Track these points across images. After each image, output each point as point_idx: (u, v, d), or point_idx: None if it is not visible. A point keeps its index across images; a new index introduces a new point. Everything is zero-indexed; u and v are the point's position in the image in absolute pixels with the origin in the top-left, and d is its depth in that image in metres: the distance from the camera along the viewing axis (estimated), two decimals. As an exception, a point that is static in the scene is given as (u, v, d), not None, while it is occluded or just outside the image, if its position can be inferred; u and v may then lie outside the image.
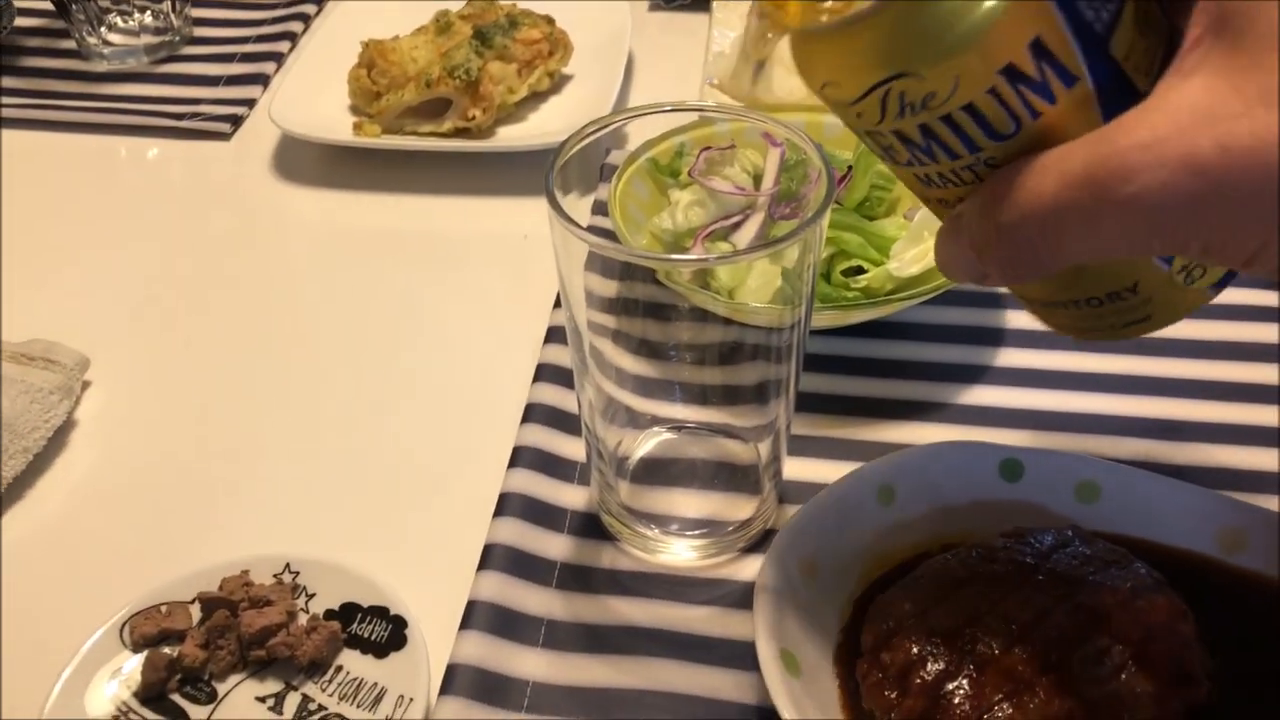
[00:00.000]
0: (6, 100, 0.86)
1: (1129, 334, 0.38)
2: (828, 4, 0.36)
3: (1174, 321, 0.38)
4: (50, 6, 0.90)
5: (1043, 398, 0.59)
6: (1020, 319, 0.64)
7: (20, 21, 0.94)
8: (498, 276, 0.71)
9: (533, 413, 0.59)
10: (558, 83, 0.83)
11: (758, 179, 0.62)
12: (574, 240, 0.43)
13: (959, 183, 0.35)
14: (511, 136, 0.79)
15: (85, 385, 0.63)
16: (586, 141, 0.47)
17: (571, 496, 0.55)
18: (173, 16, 0.91)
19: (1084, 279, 0.37)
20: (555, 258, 0.46)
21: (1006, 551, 0.47)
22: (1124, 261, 0.36)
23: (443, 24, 0.81)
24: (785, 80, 0.78)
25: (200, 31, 0.94)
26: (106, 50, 0.90)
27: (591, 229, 0.46)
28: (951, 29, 0.31)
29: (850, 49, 0.33)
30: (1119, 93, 0.32)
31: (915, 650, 0.43)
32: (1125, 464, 0.52)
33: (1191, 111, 0.29)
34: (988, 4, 0.31)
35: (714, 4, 0.88)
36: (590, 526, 0.54)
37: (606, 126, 0.48)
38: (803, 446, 0.56)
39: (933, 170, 0.36)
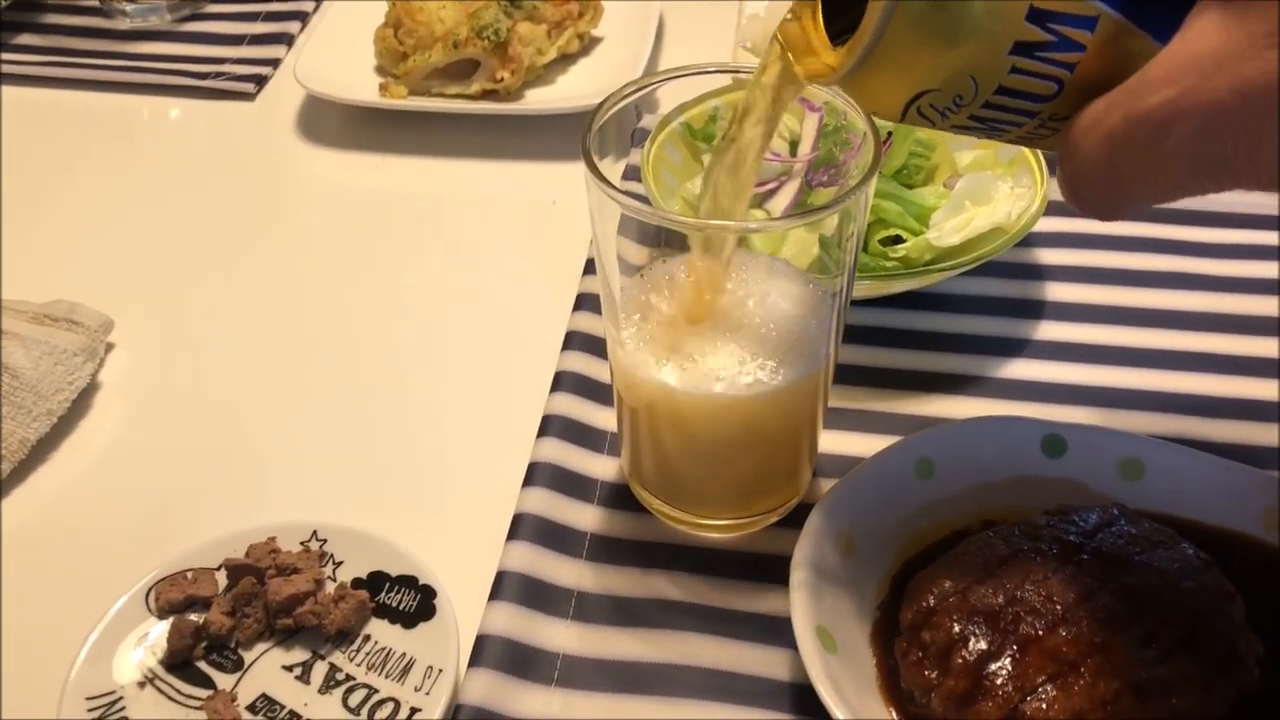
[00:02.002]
0: (27, 58, 0.85)
1: None
2: (833, 55, 0.37)
3: None
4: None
5: (1083, 372, 0.58)
6: (1060, 291, 0.62)
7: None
8: (525, 242, 0.70)
9: (562, 381, 0.58)
10: (587, 45, 0.82)
11: (794, 145, 0.61)
12: (610, 204, 0.42)
13: (1042, 136, 0.36)
14: (540, 99, 0.77)
15: (109, 347, 0.62)
16: (624, 103, 0.46)
17: (602, 467, 0.54)
18: (196, -27, 0.90)
19: None
20: (591, 221, 0.45)
21: (1050, 529, 0.46)
22: None
23: (471, -17, 0.79)
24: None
25: (223, -11, 0.93)
26: (129, 7, 0.89)
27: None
28: (940, 44, 0.32)
29: (864, 89, 0.35)
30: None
31: (957, 629, 0.42)
32: (1169, 441, 0.50)
33: (1210, 57, 0.29)
34: (965, 6, 0.31)
35: (747, -34, 0.86)
36: (621, 497, 0.53)
37: (645, 88, 0.47)
38: (838, 419, 0.55)
39: (1012, 137, 0.36)
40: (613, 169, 0.44)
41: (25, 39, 0.88)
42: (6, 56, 0.85)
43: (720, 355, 0.45)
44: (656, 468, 0.50)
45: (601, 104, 0.45)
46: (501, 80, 0.75)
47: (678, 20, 0.87)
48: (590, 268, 0.65)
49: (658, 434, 0.48)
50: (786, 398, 0.45)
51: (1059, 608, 0.42)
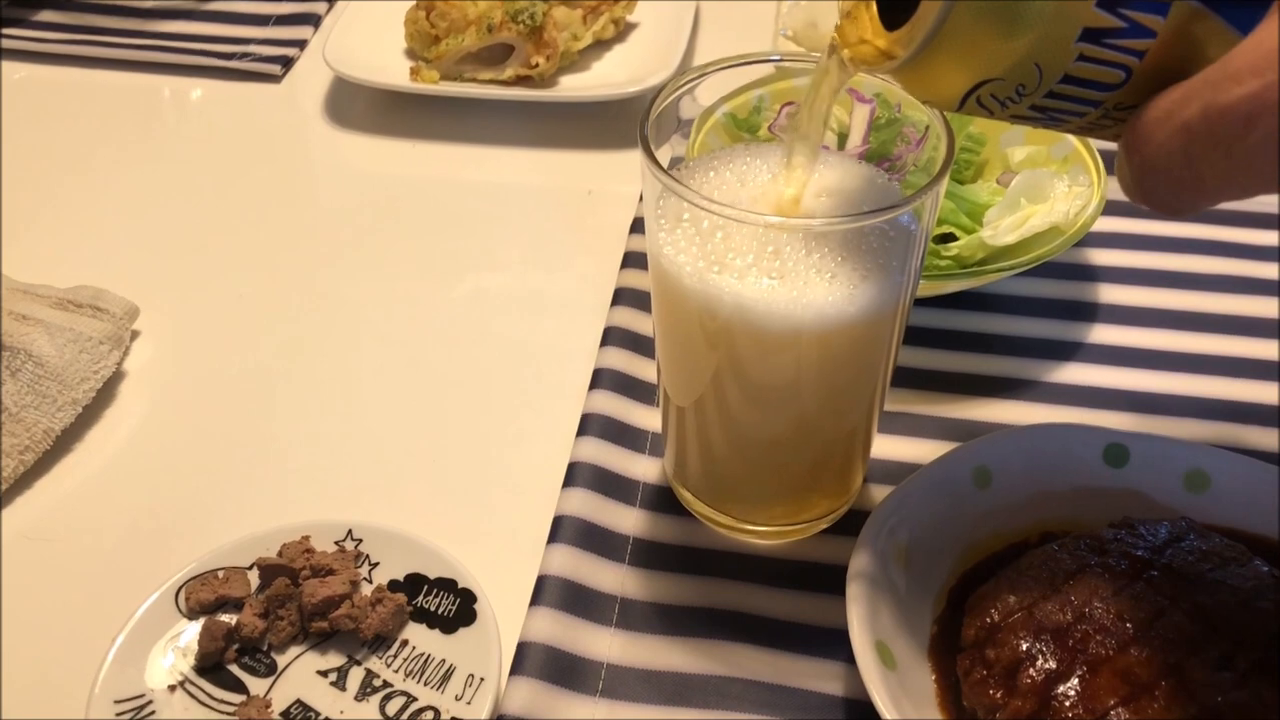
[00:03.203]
0: (49, 35, 0.83)
1: None
2: (891, 37, 0.35)
3: None
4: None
5: (1142, 378, 0.56)
6: (1117, 294, 0.61)
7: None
8: (561, 233, 0.68)
9: (601, 379, 0.56)
10: (623, 31, 0.80)
11: (842, 137, 0.59)
12: (671, 198, 0.40)
13: (1105, 126, 0.34)
14: (575, 86, 0.76)
15: (134, 335, 0.60)
16: (680, 93, 0.44)
17: (644, 468, 0.53)
18: (220, -49, 0.88)
19: None
20: (645, 213, 0.43)
21: (1117, 544, 0.44)
22: None
23: (506, -35, 0.77)
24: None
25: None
26: (155, -15, 0.87)
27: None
28: (1005, 31, 0.31)
29: (924, 78, 0.34)
30: None
31: (1023, 647, 0.41)
32: (1236, 451, 0.49)
33: None
34: None
35: (786, -49, 0.84)
36: (664, 500, 0.51)
37: (702, 76, 0.45)
38: (890, 423, 0.54)
39: (1073, 127, 0.35)
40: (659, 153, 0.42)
41: (48, 15, 0.86)
42: (30, 33, 0.83)
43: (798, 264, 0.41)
44: (701, 456, 0.48)
45: (659, 93, 0.43)
46: (536, 66, 0.73)
47: (716, 6, 0.85)
48: (629, 261, 0.63)
49: (707, 402, 0.45)
50: (861, 331, 0.41)
51: (1129, 627, 0.41)
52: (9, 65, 0.82)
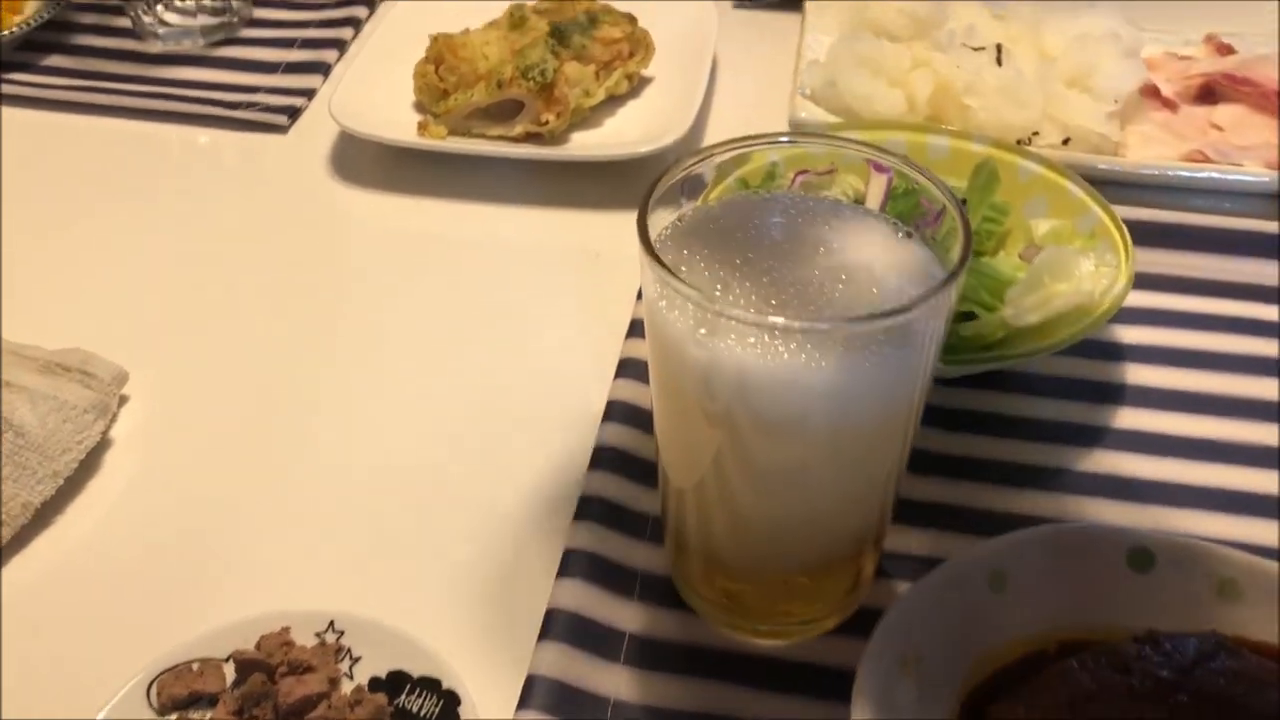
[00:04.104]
0: (55, 80, 0.82)
1: None
2: None
3: None
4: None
5: (1171, 467, 0.53)
6: (1146, 374, 0.58)
7: (75, -4, 0.89)
8: (565, 298, 0.66)
9: (601, 457, 0.54)
10: (636, 86, 0.78)
11: (858, 203, 0.57)
12: (674, 295, 0.37)
13: None
14: (586, 144, 0.74)
15: (122, 400, 0.58)
16: (682, 176, 0.42)
17: (644, 556, 0.50)
18: (232, -6, 0.87)
19: None
20: (645, 301, 0.41)
21: (1141, 661, 0.41)
22: None
23: (517, 18, 0.75)
24: (875, 87, 0.72)
25: (260, 13, 0.89)
26: (162, 30, 0.86)
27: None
28: None
29: None
30: None
31: (1040, 778, 0.38)
32: (1269, 556, 0.46)
33: None
34: None
35: (807, 5, 0.82)
36: (663, 592, 0.49)
37: (707, 158, 0.43)
38: (903, 512, 0.51)
39: None
40: (662, 218, 0.40)
41: (55, 60, 0.85)
42: (36, 79, 0.82)
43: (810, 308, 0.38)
44: (702, 544, 0.46)
45: (656, 182, 0.41)
46: (546, 123, 0.71)
47: (732, 60, 0.83)
48: (635, 330, 0.61)
49: (708, 485, 0.43)
50: (877, 412, 0.39)
51: (1154, 759, 0.38)
52: (11, 111, 0.80)
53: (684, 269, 0.40)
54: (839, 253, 0.42)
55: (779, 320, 0.37)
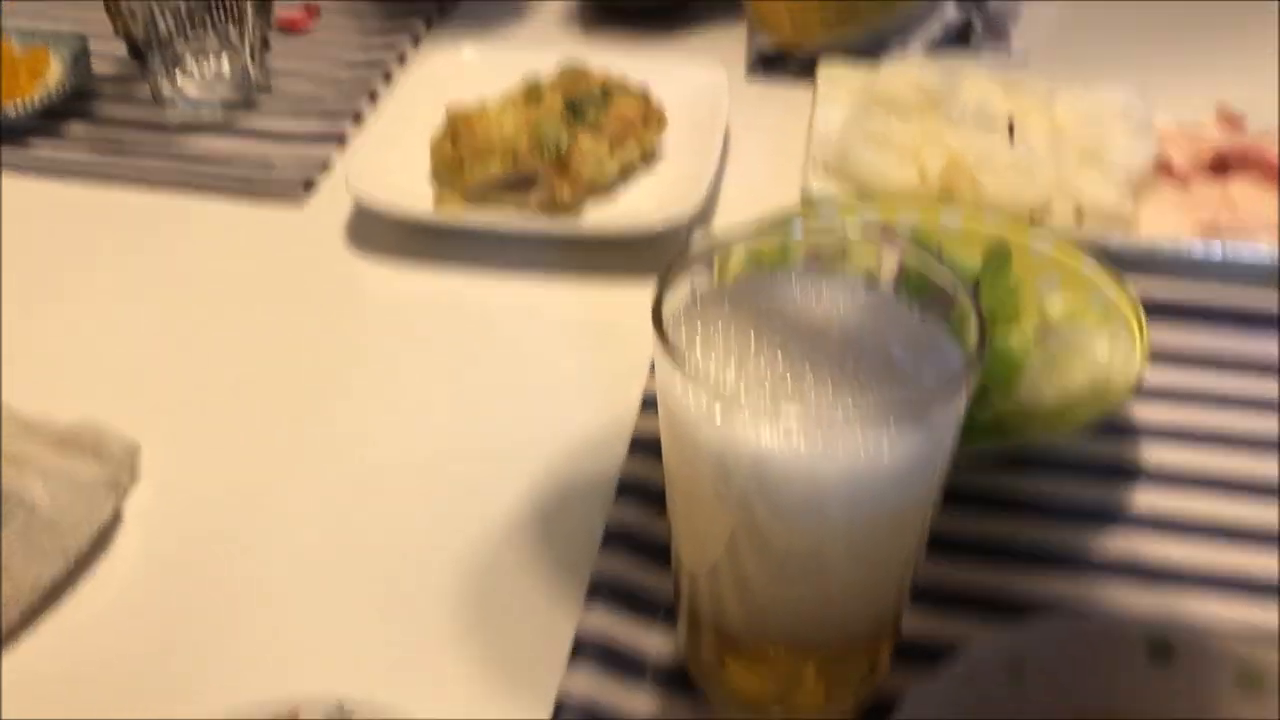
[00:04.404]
0: (73, 148, 0.83)
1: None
2: None
3: None
4: (125, 53, 0.87)
5: (1192, 550, 0.53)
6: (1164, 454, 0.57)
7: (95, 68, 0.90)
8: (578, 370, 0.66)
9: (613, 537, 0.53)
10: (650, 158, 0.78)
11: (870, 278, 0.57)
12: (688, 382, 0.37)
13: None
14: (600, 216, 0.74)
15: (135, 475, 0.58)
16: (695, 269, 0.42)
17: (657, 643, 0.50)
18: (250, 66, 0.88)
19: None
20: (658, 384, 0.40)
21: (1163, 758, 0.40)
22: None
23: (532, 92, 0.76)
24: (887, 162, 0.72)
25: (277, 84, 0.90)
26: (181, 101, 0.87)
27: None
28: None
29: None
30: None
31: None
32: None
33: None
34: None
35: (819, 78, 0.83)
36: (677, 678, 0.48)
37: (719, 251, 0.43)
38: (918, 596, 0.50)
39: None
40: (676, 294, 0.40)
41: (74, 128, 0.86)
42: (52, 146, 0.83)
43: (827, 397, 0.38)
44: (715, 628, 0.45)
45: (667, 270, 0.41)
46: (561, 196, 0.72)
47: (744, 134, 0.83)
48: (648, 405, 0.61)
49: (722, 569, 0.43)
50: (898, 485, 0.39)
51: None
52: (27, 180, 0.81)
53: (699, 344, 0.40)
54: (854, 331, 0.42)
55: (795, 409, 0.37)
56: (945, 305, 0.52)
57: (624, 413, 0.61)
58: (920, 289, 0.55)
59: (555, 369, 0.66)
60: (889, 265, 0.58)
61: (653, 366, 0.62)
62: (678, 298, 0.42)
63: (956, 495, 0.54)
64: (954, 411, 0.38)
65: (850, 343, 0.41)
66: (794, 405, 0.37)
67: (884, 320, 0.42)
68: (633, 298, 0.69)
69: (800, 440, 0.37)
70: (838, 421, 0.37)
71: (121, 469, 0.56)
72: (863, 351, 0.40)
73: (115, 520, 0.56)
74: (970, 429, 0.53)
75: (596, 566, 0.52)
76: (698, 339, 0.40)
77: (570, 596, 0.52)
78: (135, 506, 0.57)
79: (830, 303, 0.43)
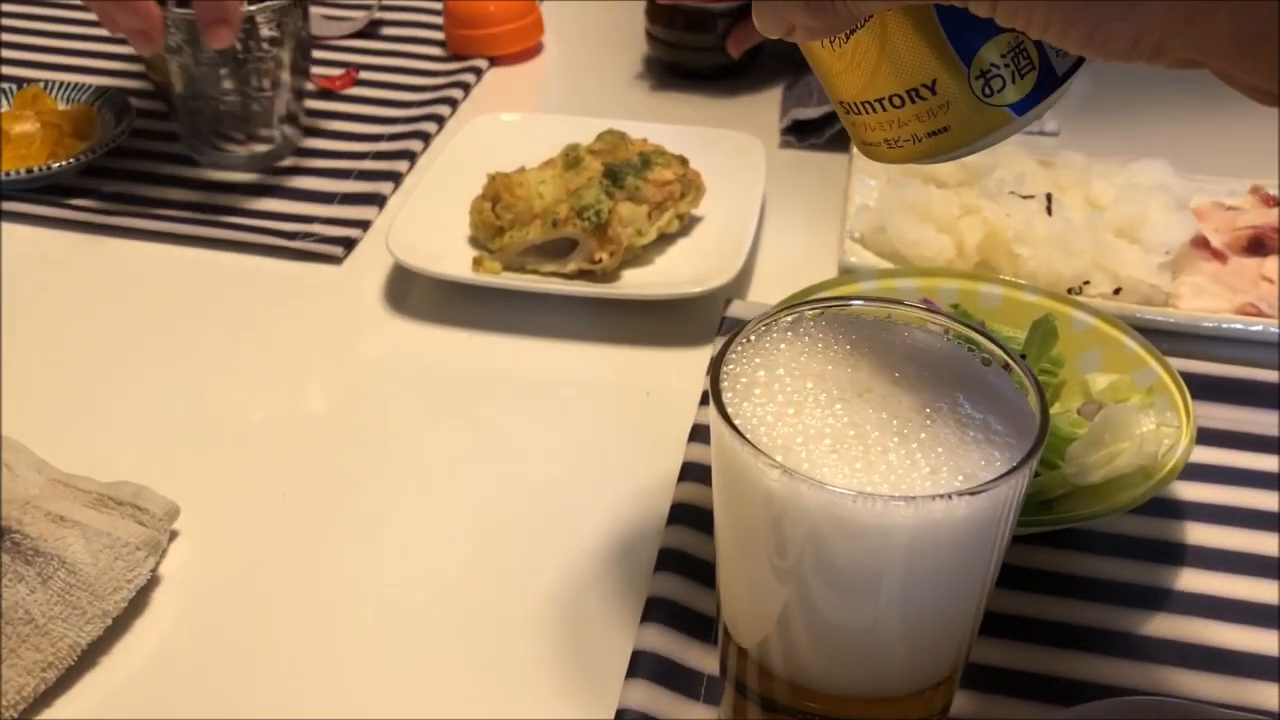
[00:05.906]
0: (110, 206, 0.83)
1: (933, 150, 0.38)
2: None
3: (973, 142, 0.38)
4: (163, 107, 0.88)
5: (1236, 634, 0.52)
6: (1209, 535, 0.57)
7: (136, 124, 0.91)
8: (615, 436, 0.66)
9: (654, 610, 0.53)
10: (687, 225, 0.79)
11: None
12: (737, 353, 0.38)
13: None
14: (638, 281, 0.74)
15: (172, 535, 0.58)
16: (747, 343, 0.42)
17: (699, 715, 0.49)
18: (289, 126, 0.88)
19: (884, 69, 0.37)
20: (714, 448, 0.40)
21: None
22: (921, 53, 0.36)
23: (572, 159, 0.77)
24: (924, 233, 0.73)
25: (316, 144, 0.91)
26: (219, 159, 0.87)
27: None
28: None
29: None
30: None
31: None
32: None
33: None
34: None
35: (854, 150, 0.84)
36: (721, 756, 0.48)
37: (769, 321, 0.43)
38: (965, 676, 0.50)
39: None
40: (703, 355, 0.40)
41: (116, 186, 0.86)
42: (90, 204, 0.84)
43: (891, 455, 0.38)
44: (761, 692, 0.45)
45: (726, 347, 0.41)
46: (599, 261, 0.72)
47: (780, 201, 0.84)
48: (686, 473, 0.60)
49: (772, 644, 0.42)
50: (956, 559, 0.39)
51: None
52: (68, 235, 0.82)
53: (758, 391, 0.40)
54: (918, 378, 0.41)
55: (851, 492, 0.37)
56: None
57: (663, 478, 0.61)
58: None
59: (590, 432, 0.66)
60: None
61: (692, 433, 0.63)
62: (733, 362, 0.41)
63: (1001, 574, 0.54)
64: (1018, 490, 0.38)
65: (917, 392, 0.40)
66: (858, 467, 0.37)
67: (949, 368, 0.42)
68: (671, 361, 0.69)
69: (862, 512, 0.36)
70: (904, 486, 0.37)
71: (161, 529, 0.56)
72: (930, 404, 0.40)
73: (153, 579, 0.56)
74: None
75: (638, 640, 0.52)
76: (756, 392, 0.40)
77: (613, 672, 0.51)
78: (173, 567, 0.57)
79: (895, 348, 0.42)
